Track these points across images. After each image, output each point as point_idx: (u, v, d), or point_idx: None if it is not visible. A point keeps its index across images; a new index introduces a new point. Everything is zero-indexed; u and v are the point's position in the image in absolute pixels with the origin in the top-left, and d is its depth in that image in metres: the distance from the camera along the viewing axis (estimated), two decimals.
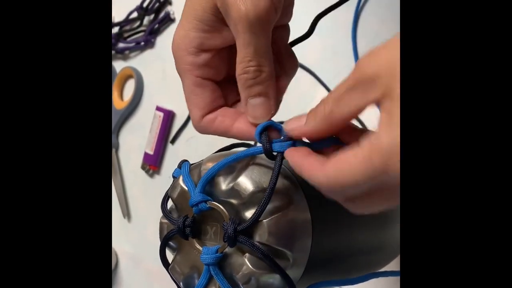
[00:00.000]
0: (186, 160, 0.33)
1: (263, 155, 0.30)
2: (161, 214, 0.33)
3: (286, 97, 0.34)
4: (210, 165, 0.31)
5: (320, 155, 0.28)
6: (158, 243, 0.34)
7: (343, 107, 0.26)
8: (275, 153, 0.29)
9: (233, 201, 0.30)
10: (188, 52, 0.31)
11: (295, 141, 0.29)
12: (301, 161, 0.27)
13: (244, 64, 0.30)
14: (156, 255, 0.34)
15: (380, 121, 0.24)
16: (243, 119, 0.32)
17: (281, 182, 0.30)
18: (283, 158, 0.29)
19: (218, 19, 0.31)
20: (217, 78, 0.33)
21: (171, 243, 0.33)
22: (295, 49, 0.35)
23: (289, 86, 0.36)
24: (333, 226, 0.34)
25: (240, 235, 0.28)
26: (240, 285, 0.29)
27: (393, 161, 0.23)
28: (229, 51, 0.33)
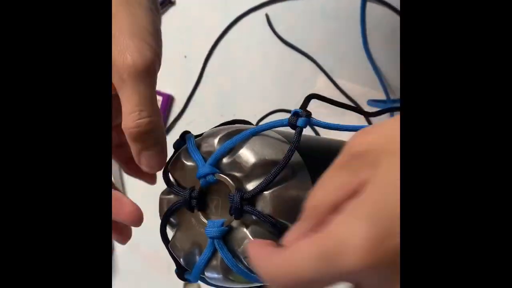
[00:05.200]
0: (189, 132, 0.32)
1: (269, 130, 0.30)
2: (157, 198, 0.33)
3: (287, 85, 0.34)
4: (214, 140, 0.30)
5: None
6: (154, 228, 0.34)
7: (329, 195, 0.22)
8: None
9: (236, 174, 0.30)
10: None
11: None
12: (257, 251, 0.23)
13: (134, 115, 0.29)
14: (153, 240, 0.33)
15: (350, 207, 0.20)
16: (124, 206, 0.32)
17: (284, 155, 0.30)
18: (301, 131, 0.29)
19: None
20: None
21: (171, 219, 0.32)
22: (295, 34, 0.35)
23: (289, 73, 0.35)
24: None
25: (246, 204, 0.28)
26: (242, 259, 0.29)
27: (347, 259, 0.19)
28: None
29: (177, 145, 0.33)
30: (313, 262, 0.20)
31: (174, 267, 0.33)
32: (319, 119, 0.30)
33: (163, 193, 0.33)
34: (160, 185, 0.36)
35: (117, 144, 0.38)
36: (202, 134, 0.32)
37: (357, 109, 0.41)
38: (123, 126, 0.30)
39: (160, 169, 0.31)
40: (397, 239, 0.19)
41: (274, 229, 0.28)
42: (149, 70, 0.29)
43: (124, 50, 0.29)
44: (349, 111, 0.33)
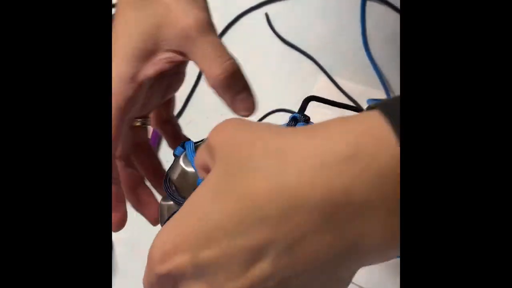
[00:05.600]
0: (189, 139, 0.32)
1: None
2: (157, 196, 0.33)
3: (287, 84, 0.34)
4: None
5: None
6: (154, 228, 0.34)
7: None
8: None
9: None
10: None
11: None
12: None
13: (218, 61, 0.31)
14: (153, 239, 0.33)
15: None
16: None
17: None
18: None
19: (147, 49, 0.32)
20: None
21: None
22: (295, 34, 0.35)
23: (289, 73, 0.35)
24: None
25: None
26: None
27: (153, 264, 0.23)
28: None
29: (177, 151, 0.33)
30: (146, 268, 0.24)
31: None
32: (318, 121, 0.29)
33: (163, 199, 0.33)
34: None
35: (165, 120, 0.40)
36: (202, 140, 0.32)
37: (357, 109, 0.41)
38: (210, 79, 0.32)
39: (254, 111, 0.33)
40: (185, 257, 0.21)
41: None
42: (211, 23, 0.32)
43: (184, 13, 0.31)
44: (349, 110, 0.33)
